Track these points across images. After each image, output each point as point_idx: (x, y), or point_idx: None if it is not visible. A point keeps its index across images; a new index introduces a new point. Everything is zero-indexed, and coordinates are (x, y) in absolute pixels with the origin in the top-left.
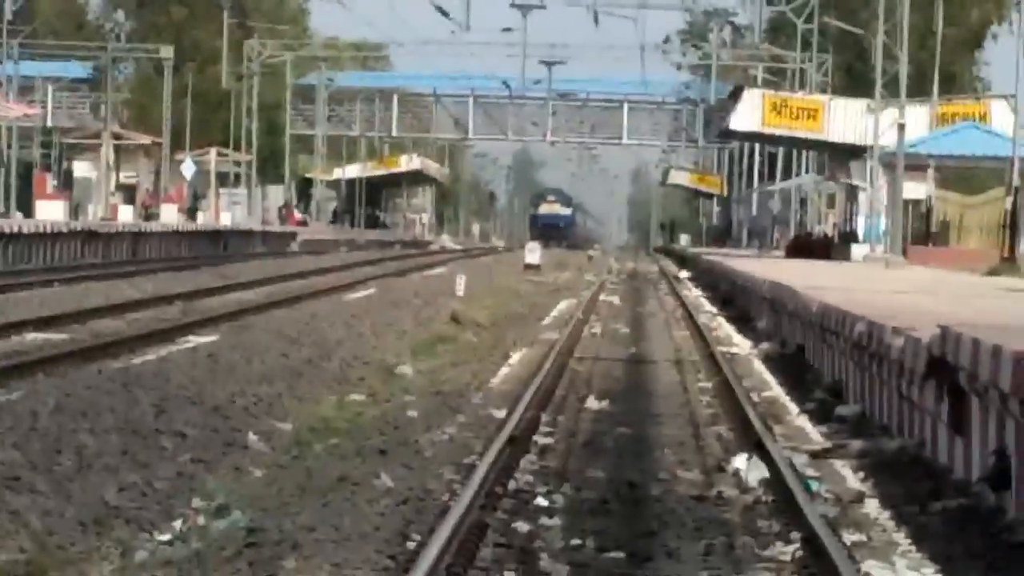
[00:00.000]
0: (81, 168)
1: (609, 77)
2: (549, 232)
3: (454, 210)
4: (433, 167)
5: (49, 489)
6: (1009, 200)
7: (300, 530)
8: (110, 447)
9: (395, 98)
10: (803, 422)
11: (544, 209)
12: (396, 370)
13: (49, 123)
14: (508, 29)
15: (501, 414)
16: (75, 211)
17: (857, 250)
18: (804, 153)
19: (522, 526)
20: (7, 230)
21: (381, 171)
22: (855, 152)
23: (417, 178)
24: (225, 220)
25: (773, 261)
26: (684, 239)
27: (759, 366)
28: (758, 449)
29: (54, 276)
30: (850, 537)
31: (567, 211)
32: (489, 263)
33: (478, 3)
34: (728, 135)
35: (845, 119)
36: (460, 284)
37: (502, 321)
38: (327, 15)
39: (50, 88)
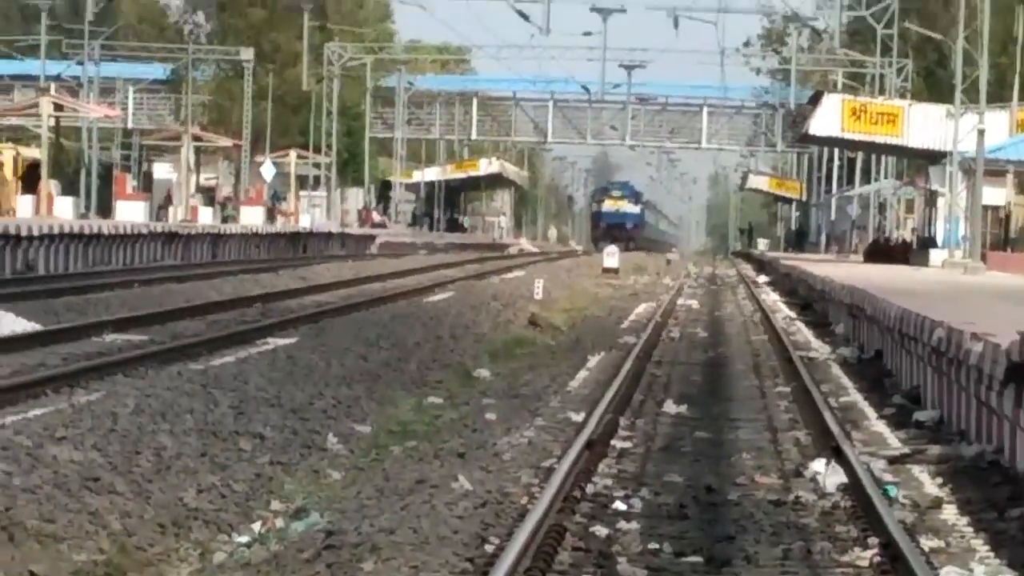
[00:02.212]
0: (161, 170)
1: (688, 81)
2: (614, 232)
3: (532, 213)
4: (512, 170)
5: (128, 490)
6: None
7: (378, 532)
8: (189, 448)
9: (475, 101)
10: (881, 427)
11: (608, 206)
12: (474, 372)
13: (129, 124)
14: (588, 33)
15: (579, 417)
16: (157, 212)
17: (936, 255)
18: (883, 158)
19: (600, 530)
20: (88, 231)
21: (460, 174)
22: (934, 157)
23: (496, 181)
24: (304, 222)
25: (851, 266)
26: (762, 244)
27: (837, 371)
28: (836, 454)
29: (134, 277)
30: (928, 543)
31: (635, 209)
32: (567, 266)
33: (558, 7)
34: (807, 140)
35: (924, 124)
36: (539, 287)
37: (580, 324)
38: (408, 18)
39: (131, 90)
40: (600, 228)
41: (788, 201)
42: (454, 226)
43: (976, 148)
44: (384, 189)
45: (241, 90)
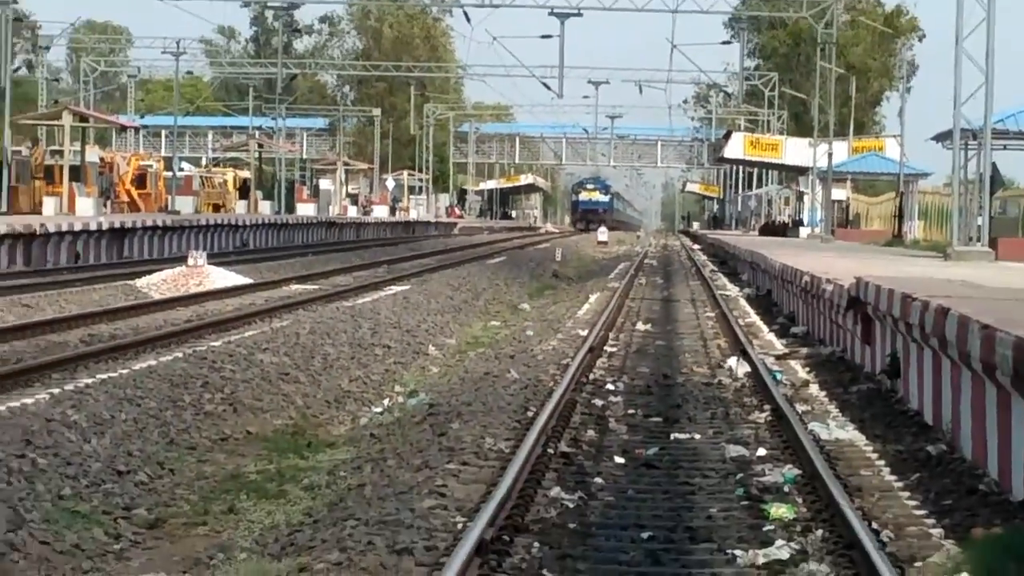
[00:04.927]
0: (324, 183)
1: (649, 125)
2: (588, 216)
3: (554, 208)
4: (540, 182)
5: (307, 380)
6: (896, 201)
7: (462, 405)
8: (344, 354)
9: (517, 139)
10: (771, 337)
11: (584, 196)
12: (519, 307)
13: (304, 156)
14: (586, 96)
15: (584, 332)
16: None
17: (803, 231)
18: (770, 172)
19: (598, 401)
20: (279, 222)
21: (508, 184)
22: (801, 171)
23: (530, 188)
24: (413, 215)
25: (751, 238)
26: (696, 225)
27: (744, 303)
28: (743, 354)
29: (308, 250)
30: (800, 408)
31: (605, 198)
32: (577, 240)
33: (568, 80)
34: (723, 161)
35: (795, 150)
36: (558, 254)
37: (584, 276)
38: (475, 88)
39: (304, 135)
40: (578, 213)
41: (711, 198)
42: (505, 216)
43: (827, 165)
44: (462, 194)
45: (372, 134)
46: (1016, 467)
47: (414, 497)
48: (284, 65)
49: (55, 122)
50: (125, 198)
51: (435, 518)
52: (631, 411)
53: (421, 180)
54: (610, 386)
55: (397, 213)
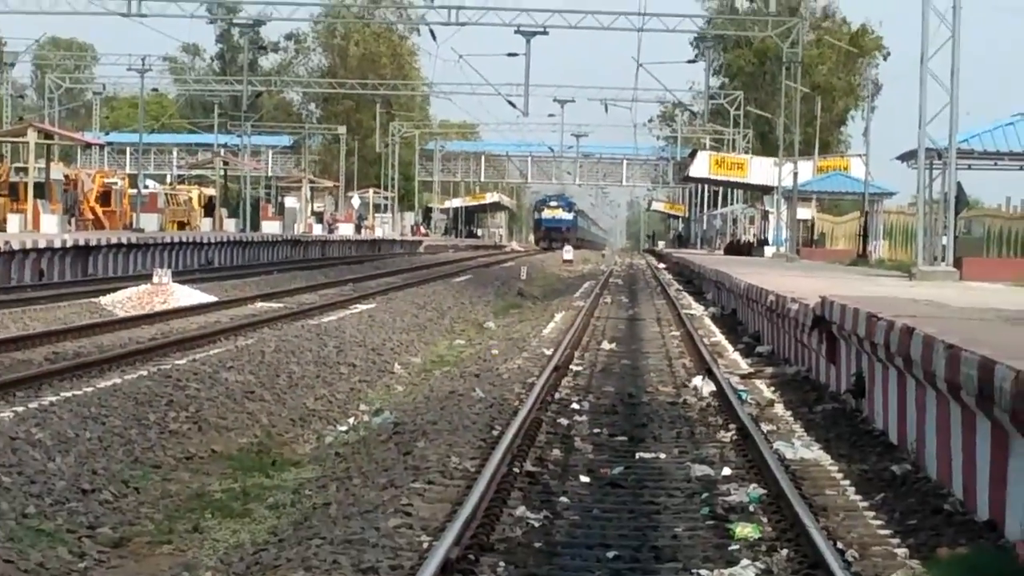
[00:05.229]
0: (289, 201)
1: (614, 143)
2: (552, 234)
3: (519, 226)
4: (506, 200)
5: (272, 398)
6: (861, 220)
7: (427, 423)
8: (309, 373)
9: (483, 158)
10: (736, 357)
11: (547, 214)
12: (484, 325)
13: (269, 173)
14: (552, 115)
15: (550, 351)
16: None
17: (768, 250)
18: (735, 191)
19: (563, 420)
20: (244, 239)
21: (474, 202)
22: (766, 190)
23: (496, 207)
24: (378, 233)
25: (716, 257)
26: (662, 243)
27: (708, 322)
28: (708, 373)
29: (273, 268)
30: (766, 427)
31: (569, 216)
32: (542, 259)
33: (534, 98)
34: (688, 180)
35: (761, 169)
36: (523, 272)
37: (550, 294)
38: (441, 106)
39: (270, 152)
40: (541, 231)
41: (676, 217)
42: (471, 235)
43: (792, 184)
44: (427, 212)
45: (338, 152)
46: (980, 486)
47: (379, 516)
48: (249, 82)
49: (19, 139)
50: (90, 215)
51: (400, 537)
52: (596, 430)
53: (387, 198)
54: (575, 405)
55: (363, 231)
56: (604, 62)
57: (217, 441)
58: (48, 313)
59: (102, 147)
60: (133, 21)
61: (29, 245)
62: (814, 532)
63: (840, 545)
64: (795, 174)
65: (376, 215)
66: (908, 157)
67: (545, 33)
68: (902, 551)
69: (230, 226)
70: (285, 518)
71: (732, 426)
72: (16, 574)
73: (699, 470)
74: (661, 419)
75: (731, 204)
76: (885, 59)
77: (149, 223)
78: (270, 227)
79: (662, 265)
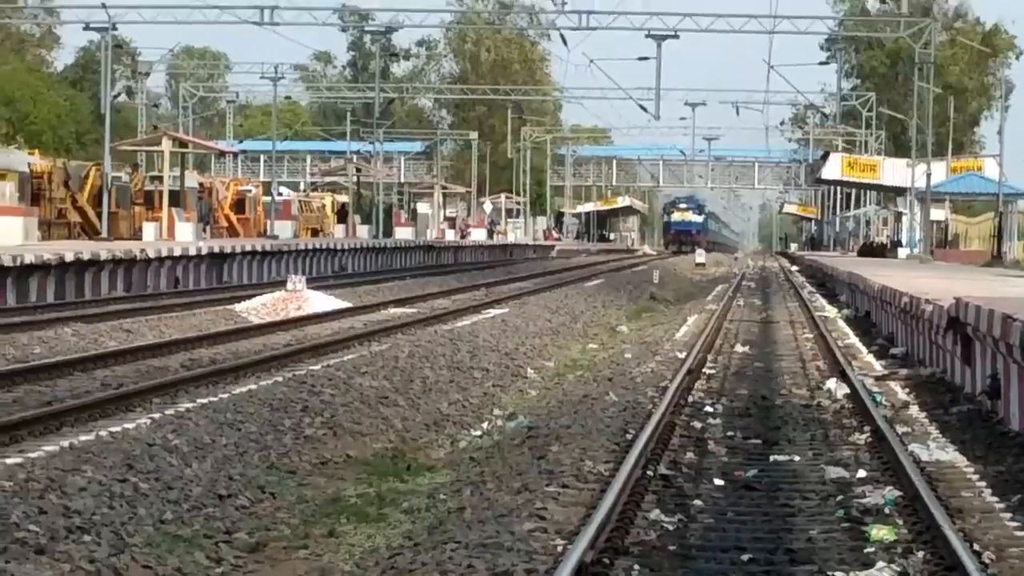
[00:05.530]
0: (421, 207)
1: (746, 146)
2: (681, 237)
3: (651, 230)
4: (637, 204)
5: (406, 403)
6: (995, 221)
7: (560, 427)
8: (443, 378)
9: (614, 162)
10: (870, 359)
11: (677, 216)
12: (617, 329)
13: (401, 180)
14: (683, 118)
15: (683, 355)
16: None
17: (902, 252)
18: (868, 193)
19: (696, 424)
20: (378, 246)
21: (605, 207)
22: (900, 191)
23: (627, 210)
24: (510, 238)
25: (849, 259)
26: (794, 246)
27: (842, 324)
28: (842, 376)
29: (406, 274)
30: (901, 429)
31: (699, 218)
32: (674, 262)
33: (665, 101)
34: (820, 182)
35: (894, 171)
36: (656, 276)
37: (682, 298)
38: (572, 110)
39: (402, 159)
40: (670, 234)
41: (809, 219)
42: (603, 239)
43: (926, 185)
44: (559, 217)
45: (470, 157)
46: None
47: (514, 520)
48: (381, 89)
49: (155, 148)
50: (224, 223)
51: (535, 541)
52: (730, 433)
53: (518, 203)
54: (709, 408)
55: (495, 236)
56: (735, 65)
57: (352, 446)
58: (183, 320)
59: (236, 155)
60: (266, 29)
61: (164, 253)
62: (950, 534)
63: (977, 547)
64: (928, 175)
65: (508, 220)
66: None
67: (676, 37)
68: None
69: (363, 232)
70: (420, 522)
71: (867, 428)
72: None
73: (833, 472)
74: (795, 421)
75: (864, 206)
76: (1018, 58)
77: (283, 230)
78: (403, 233)
79: (794, 268)
